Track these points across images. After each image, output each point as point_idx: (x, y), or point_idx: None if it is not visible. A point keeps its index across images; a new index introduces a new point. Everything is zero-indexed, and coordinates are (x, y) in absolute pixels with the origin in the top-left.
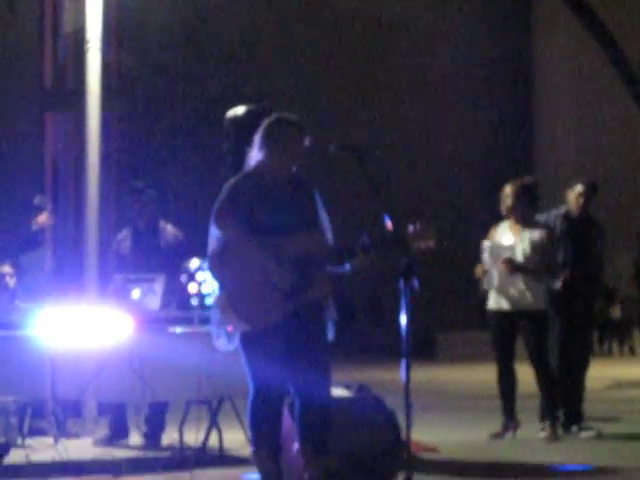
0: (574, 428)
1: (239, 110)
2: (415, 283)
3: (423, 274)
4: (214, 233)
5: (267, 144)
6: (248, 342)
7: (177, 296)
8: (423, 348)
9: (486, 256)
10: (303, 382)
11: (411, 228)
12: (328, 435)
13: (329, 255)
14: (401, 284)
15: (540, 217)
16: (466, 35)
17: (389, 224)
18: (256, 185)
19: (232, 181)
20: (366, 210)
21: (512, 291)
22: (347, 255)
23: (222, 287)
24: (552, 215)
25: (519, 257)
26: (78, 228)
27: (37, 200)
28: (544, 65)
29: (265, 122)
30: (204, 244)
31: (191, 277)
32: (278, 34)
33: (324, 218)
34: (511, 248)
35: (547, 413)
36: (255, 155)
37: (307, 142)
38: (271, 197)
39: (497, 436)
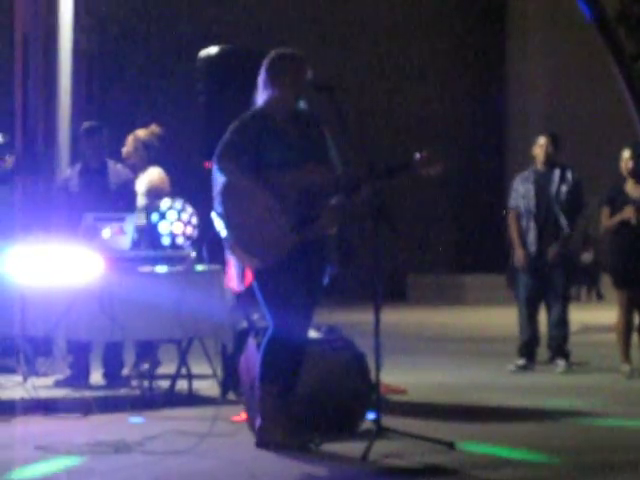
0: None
1: (212, 50)
2: (392, 226)
3: (394, 215)
4: (218, 174)
5: (271, 80)
6: (261, 279)
7: (147, 235)
8: (393, 290)
9: None
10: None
11: (417, 155)
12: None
13: (337, 186)
14: (376, 226)
15: (518, 177)
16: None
17: (417, 155)
18: (263, 122)
19: (237, 122)
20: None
21: None
22: (354, 184)
23: (228, 226)
24: (526, 173)
25: None
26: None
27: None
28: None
29: (266, 59)
30: (175, 184)
31: (162, 216)
32: None
33: (333, 151)
34: None
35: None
36: (260, 95)
37: (309, 73)
38: (279, 133)
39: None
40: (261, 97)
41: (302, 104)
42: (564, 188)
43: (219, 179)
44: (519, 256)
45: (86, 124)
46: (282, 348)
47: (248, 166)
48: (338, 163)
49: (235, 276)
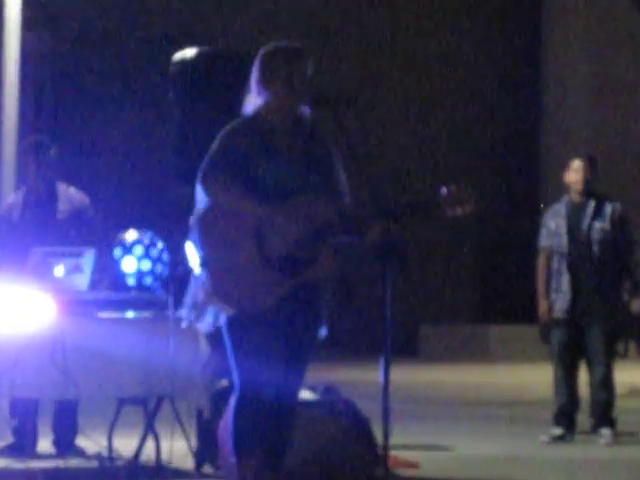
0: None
1: (188, 53)
2: (403, 266)
3: (406, 254)
4: (201, 197)
5: (266, 80)
6: (234, 328)
7: (109, 274)
8: (404, 343)
9: None
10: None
11: (444, 191)
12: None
13: (342, 225)
14: (386, 268)
15: (549, 210)
16: None
17: (444, 191)
18: (256, 134)
19: (226, 130)
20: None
21: None
22: (362, 225)
23: (205, 262)
24: (557, 206)
25: None
26: None
27: None
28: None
29: (259, 55)
30: (142, 210)
31: (127, 251)
32: None
33: (341, 175)
34: None
35: None
36: (253, 100)
37: (311, 69)
38: (275, 148)
39: None
40: (253, 103)
41: (306, 112)
42: (597, 224)
43: (202, 202)
44: (542, 310)
45: (31, 139)
46: (254, 411)
47: (237, 186)
48: (346, 192)
49: (194, 314)
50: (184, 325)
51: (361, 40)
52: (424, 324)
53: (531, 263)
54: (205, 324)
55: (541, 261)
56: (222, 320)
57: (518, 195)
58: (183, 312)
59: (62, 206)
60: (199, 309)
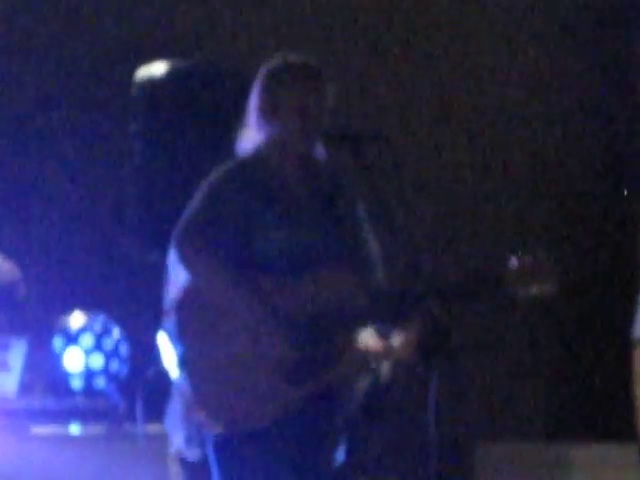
0: None
1: (155, 68)
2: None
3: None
4: (177, 270)
5: (270, 108)
6: (223, 451)
7: (46, 374)
8: (454, 468)
9: None
10: None
11: (514, 262)
12: None
13: (373, 310)
14: (431, 368)
15: None
16: None
17: (514, 263)
18: (255, 182)
19: (211, 177)
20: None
21: None
22: (400, 310)
23: (183, 361)
24: None
25: None
26: None
27: None
28: None
29: (261, 73)
30: (91, 286)
31: (71, 341)
32: None
33: (370, 240)
34: None
35: None
36: (251, 135)
37: (331, 95)
38: (282, 203)
39: None
40: (251, 140)
41: (322, 154)
42: None
43: (178, 277)
44: None
45: None
46: None
47: (226, 257)
48: (378, 264)
49: (182, 437)
50: (173, 452)
51: (398, 56)
52: (481, 442)
53: (625, 357)
54: (197, 450)
55: (637, 358)
56: (207, 441)
57: (609, 265)
58: (170, 433)
59: None
60: (191, 429)
